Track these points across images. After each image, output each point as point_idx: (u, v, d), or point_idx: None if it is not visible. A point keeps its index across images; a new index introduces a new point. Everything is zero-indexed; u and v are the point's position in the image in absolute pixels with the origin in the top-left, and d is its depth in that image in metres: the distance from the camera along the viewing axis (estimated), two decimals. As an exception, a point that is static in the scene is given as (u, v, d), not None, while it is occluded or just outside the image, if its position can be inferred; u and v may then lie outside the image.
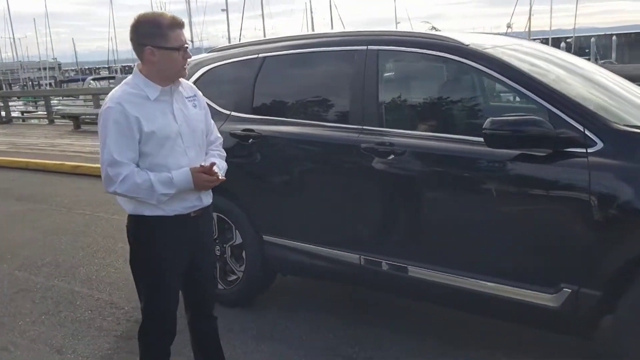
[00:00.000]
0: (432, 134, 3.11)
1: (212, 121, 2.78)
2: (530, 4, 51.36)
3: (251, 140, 3.69)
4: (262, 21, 57.22)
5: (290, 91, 3.78)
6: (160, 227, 2.50)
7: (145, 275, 2.59)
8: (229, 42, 53.48)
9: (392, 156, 3.12)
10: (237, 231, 3.81)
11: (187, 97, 2.59)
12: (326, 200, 3.42)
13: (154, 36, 2.38)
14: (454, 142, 3.00)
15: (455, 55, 3.08)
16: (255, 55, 3.88)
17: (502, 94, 3.98)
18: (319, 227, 3.48)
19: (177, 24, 2.42)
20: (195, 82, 4.09)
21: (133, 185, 2.38)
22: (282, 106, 3.78)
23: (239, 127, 3.75)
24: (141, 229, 2.53)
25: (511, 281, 2.86)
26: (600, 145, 2.63)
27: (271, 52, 3.84)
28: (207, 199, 2.64)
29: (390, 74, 3.48)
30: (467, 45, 3.09)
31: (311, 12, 68.77)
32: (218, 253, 3.89)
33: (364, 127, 3.26)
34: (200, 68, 4.14)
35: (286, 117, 3.66)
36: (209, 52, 4.38)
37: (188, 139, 2.51)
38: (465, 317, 3.29)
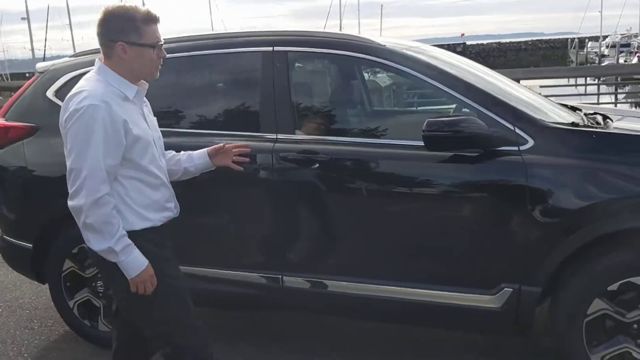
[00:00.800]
0: (357, 140, 2.95)
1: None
2: (340, 18, 54.54)
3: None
4: (70, 30, 53.20)
5: (186, 98, 3.36)
6: (155, 239, 2.24)
7: (162, 303, 2.23)
8: (33, 54, 49.58)
9: (316, 165, 2.88)
10: None
11: (144, 102, 2.38)
12: (242, 218, 3.08)
13: (127, 31, 2.15)
14: (383, 147, 2.87)
15: (374, 56, 2.94)
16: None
17: (420, 98, 3.94)
18: (235, 249, 3.13)
19: (152, 19, 2.19)
20: (57, 92, 3.53)
21: (105, 215, 2.08)
22: (176, 116, 3.34)
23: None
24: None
25: (450, 286, 2.78)
26: (531, 142, 2.66)
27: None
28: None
29: (301, 76, 3.25)
30: (384, 45, 2.98)
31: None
32: (101, 290, 3.40)
33: (279, 135, 2.98)
34: (63, 75, 3.53)
35: (183, 128, 3.24)
36: (72, 56, 3.77)
37: (159, 145, 2.35)
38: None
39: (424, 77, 2.85)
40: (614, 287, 2.57)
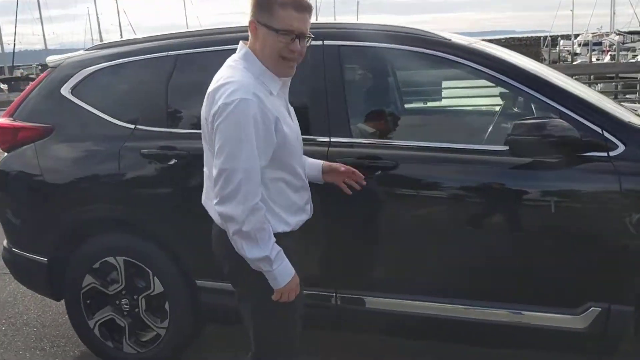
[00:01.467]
0: (422, 144, 2.69)
1: None
2: (316, 14, 54.27)
3: (174, 161, 2.88)
4: (41, 25, 51.72)
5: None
6: (291, 246, 2.04)
7: (281, 309, 2.04)
8: (2, 48, 47.62)
9: (378, 172, 2.60)
10: (155, 278, 2.97)
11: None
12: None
13: (262, 9, 1.92)
14: (452, 151, 2.61)
15: (445, 52, 2.67)
16: (165, 53, 3.06)
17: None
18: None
19: (294, 4, 1.89)
20: (73, 90, 3.19)
21: (260, 222, 1.89)
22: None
23: (153, 145, 2.92)
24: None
25: (531, 305, 2.54)
26: (622, 147, 2.42)
27: (185, 48, 3.05)
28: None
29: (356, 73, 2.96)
30: (450, 40, 2.72)
31: (97, 17, 64.17)
32: (127, 308, 3.06)
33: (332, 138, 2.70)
34: (82, 69, 3.18)
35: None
36: (88, 50, 3.41)
37: (301, 142, 2.16)
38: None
39: (500, 75, 2.58)
40: None
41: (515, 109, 3.43)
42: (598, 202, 2.43)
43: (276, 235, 1.96)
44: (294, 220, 2.08)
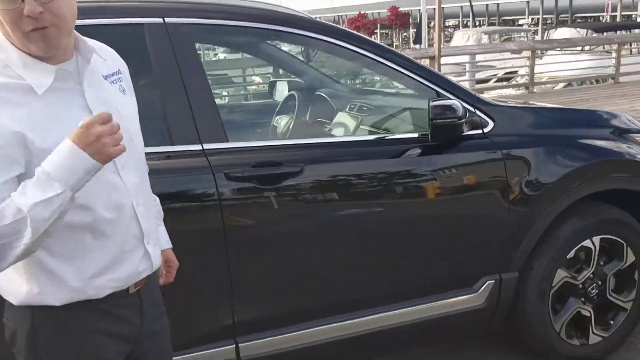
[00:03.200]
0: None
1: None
2: None
3: None
4: None
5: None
6: (81, 321, 1.43)
7: None
8: None
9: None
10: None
11: (107, 76, 1.47)
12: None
13: None
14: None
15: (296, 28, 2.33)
16: None
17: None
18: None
19: None
20: None
21: None
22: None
23: None
24: (43, 330, 1.41)
25: (434, 295, 2.47)
26: (492, 124, 2.51)
27: None
28: (157, 252, 1.56)
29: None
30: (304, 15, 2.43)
31: None
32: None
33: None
34: None
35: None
36: None
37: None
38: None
39: (376, 57, 2.39)
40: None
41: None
42: (485, 179, 2.48)
43: (52, 308, 1.38)
44: (96, 283, 1.41)
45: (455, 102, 2.28)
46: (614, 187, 2.72)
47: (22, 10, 1.24)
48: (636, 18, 34.33)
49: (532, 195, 2.52)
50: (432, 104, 2.22)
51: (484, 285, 2.52)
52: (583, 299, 2.74)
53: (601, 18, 37.08)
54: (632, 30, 20.86)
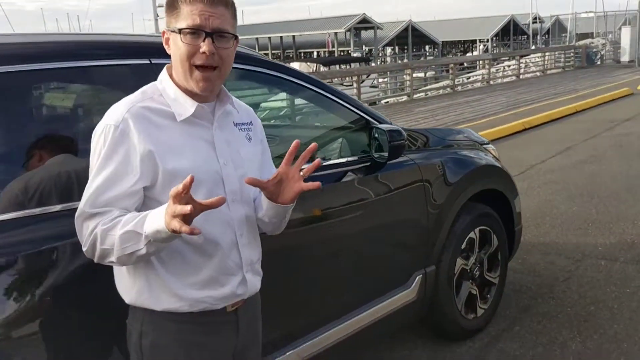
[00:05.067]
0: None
1: (272, 164, 1.78)
2: None
3: None
4: None
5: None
6: (181, 331, 1.57)
7: None
8: None
9: None
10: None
11: (238, 124, 1.68)
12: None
13: (168, 9, 1.56)
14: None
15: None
16: None
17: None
18: None
19: None
20: None
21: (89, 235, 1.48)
22: None
23: None
24: (149, 335, 1.58)
25: (376, 299, 2.80)
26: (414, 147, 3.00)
27: None
28: (255, 280, 1.69)
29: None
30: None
31: None
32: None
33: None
34: None
35: None
36: None
37: (234, 187, 1.60)
38: None
39: (313, 87, 2.64)
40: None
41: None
42: (409, 190, 2.93)
43: (154, 313, 1.56)
44: (194, 296, 1.56)
45: (397, 127, 2.70)
46: (484, 188, 3.41)
47: (199, 47, 1.47)
48: (351, 53, 39.31)
49: (440, 201, 3.06)
50: (385, 129, 2.60)
51: (415, 280, 2.97)
52: (471, 281, 3.37)
53: (323, 53, 41.55)
54: (351, 63, 24.03)
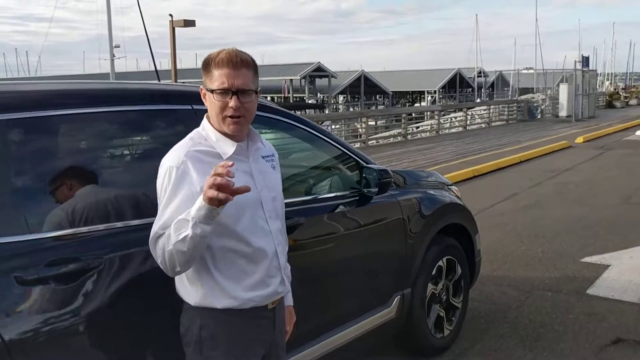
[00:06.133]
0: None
1: None
2: None
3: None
4: None
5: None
6: (235, 324, 2.00)
7: None
8: None
9: None
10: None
11: (264, 157, 2.14)
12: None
13: (204, 71, 2.00)
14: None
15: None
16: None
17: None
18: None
19: (228, 61, 1.93)
20: None
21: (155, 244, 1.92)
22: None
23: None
24: (209, 327, 1.99)
25: (360, 316, 3.24)
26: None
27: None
28: (287, 281, 2.16)
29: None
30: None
31: None
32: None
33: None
34: None
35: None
36: None
37: (270, 207, 2.07)
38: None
39: (317, 133, 3.14)
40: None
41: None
42: (391, 221, 3.42)
43: (213, 309, 1.96)
44: (246, 296, 1.99)
45: (384, 167, 3.21)
46: (450, 222, 3.95)
47: (228, 103, 1.92)
48: (306, 99, 40.37)
49: (416, 231, 3.56)
50: (376, 168, 3.11)
51: (395, 300, 3.43)
52: (439, 304, 3.86)
53: (277, 98, 42.44)
54: (307, 109, 24.63)
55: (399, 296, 3.47)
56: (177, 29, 18.74)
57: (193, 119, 2.46)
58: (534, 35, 73.97)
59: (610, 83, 69.25)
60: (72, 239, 2.09)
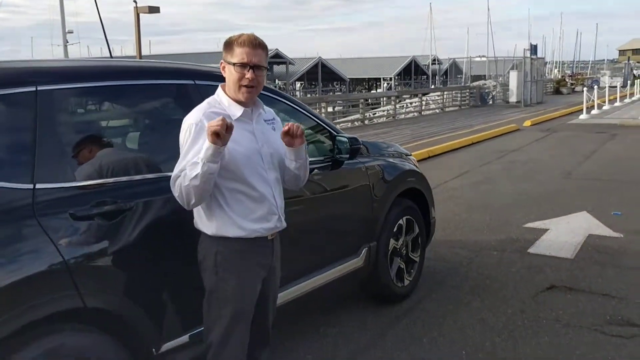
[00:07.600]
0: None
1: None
2: None
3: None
4: None
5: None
6: (244, 251, 2.52)
7: (228, 304, 2.52)
8: None
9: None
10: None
11: (266, 120, 2.66)
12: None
13: (225, 49, 2.53)
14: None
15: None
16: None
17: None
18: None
19: (248, 42, 2.46)
20: None
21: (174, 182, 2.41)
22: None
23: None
24: (223, 253, 2.50)
25: (334, 263, 3.78)
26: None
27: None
28: (283, 219, 2.65)
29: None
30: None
31: None
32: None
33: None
34: None
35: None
36: None
37: (268, 160, 2.57)
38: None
39: (297, 107, 3.65)
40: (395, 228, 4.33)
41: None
42: (359, 185, 3.96)
43: (226, 238, 2.48)
44: (251, 227, 2.50)
45: (354, 136, 3.73)
46: (409, 187, 4.51)
47: (245, 74, 2.44)
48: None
49: (379, 194, 4.11)
50: (347, 136, 3.62)
51: (363, 251, 3.98)
52: (400, 257, 4.43)
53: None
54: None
55: (366, 248, 4.01)
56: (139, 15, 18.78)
57: (195, 92, 2.95)
58: (487, 24, 75.96)
59: (559, 71, 71.77)
60: (109, 186, 2.56)
